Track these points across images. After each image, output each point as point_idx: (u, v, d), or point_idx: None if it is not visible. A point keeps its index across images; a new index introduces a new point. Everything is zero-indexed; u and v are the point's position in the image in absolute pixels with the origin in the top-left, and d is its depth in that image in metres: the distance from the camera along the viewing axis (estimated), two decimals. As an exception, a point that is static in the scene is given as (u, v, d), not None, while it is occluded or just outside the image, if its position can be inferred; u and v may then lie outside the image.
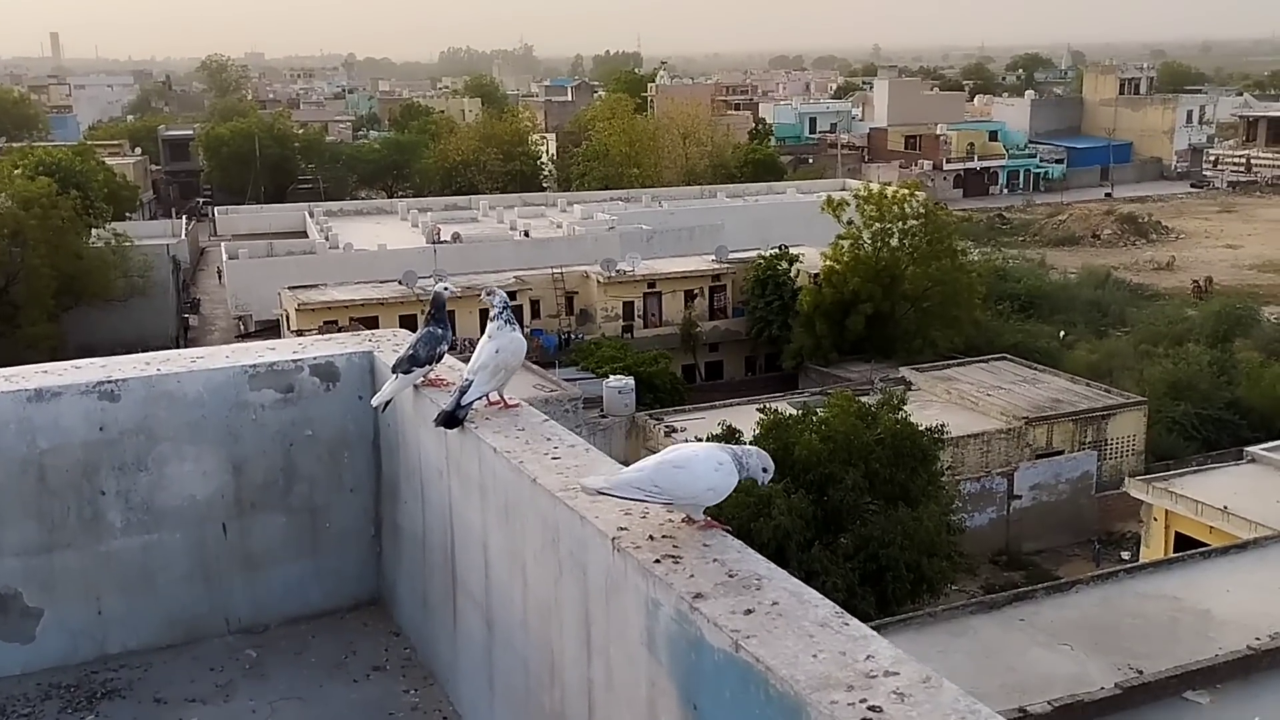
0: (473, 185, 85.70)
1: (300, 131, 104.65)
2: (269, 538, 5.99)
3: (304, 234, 67.16)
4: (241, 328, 60.95)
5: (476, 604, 4.82)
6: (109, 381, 5.58)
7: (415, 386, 5.24)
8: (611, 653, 3.59)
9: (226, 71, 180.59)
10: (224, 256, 59.63)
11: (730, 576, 3.16)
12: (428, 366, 5.40)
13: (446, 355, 5.54)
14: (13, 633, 5.51)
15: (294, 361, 5.98)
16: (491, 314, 5.07)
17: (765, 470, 3.91)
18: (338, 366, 6.06)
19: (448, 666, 5.31)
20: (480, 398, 4.89)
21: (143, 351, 6.14)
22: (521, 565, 4.29)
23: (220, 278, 63.18)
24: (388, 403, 5.45)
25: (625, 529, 3.57)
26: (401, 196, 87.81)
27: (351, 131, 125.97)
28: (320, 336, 6.43)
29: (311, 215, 70.91)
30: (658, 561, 3.29)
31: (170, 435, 5.72)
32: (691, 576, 3.18)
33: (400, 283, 50.79)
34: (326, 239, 61.71)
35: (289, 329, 49.74)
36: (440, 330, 5.39)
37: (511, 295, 51.68)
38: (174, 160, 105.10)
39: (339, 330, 46.81)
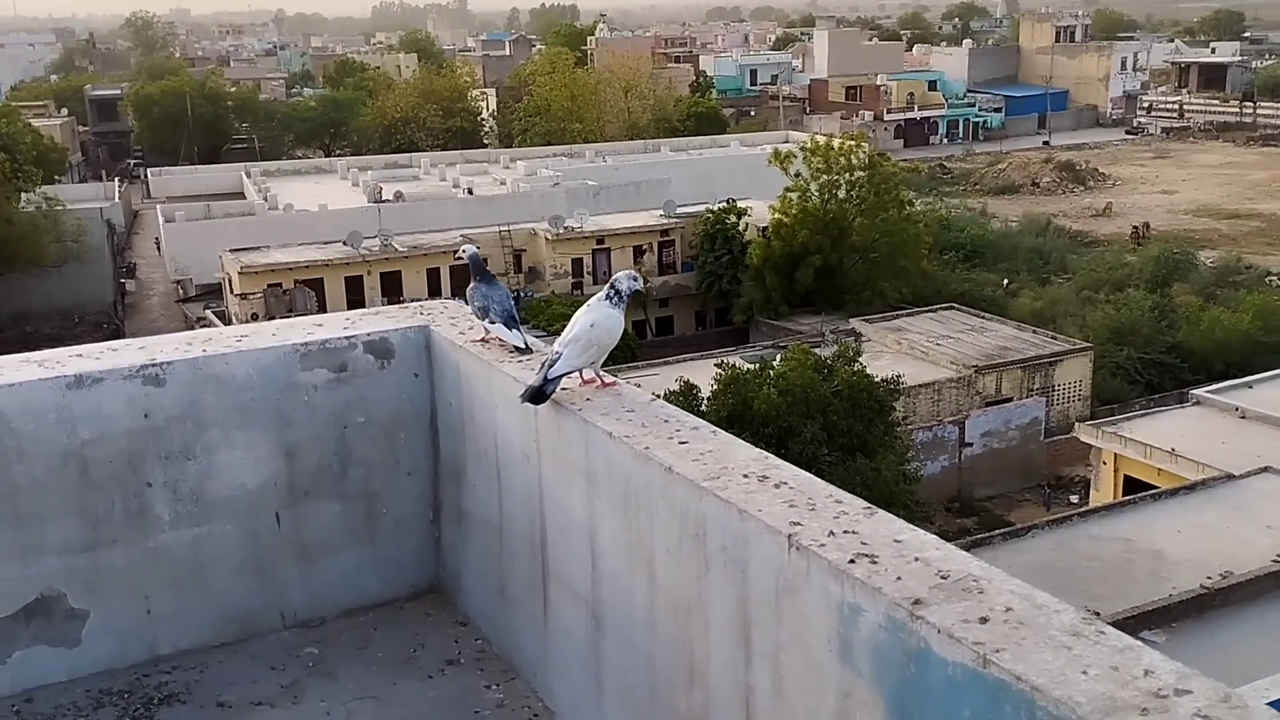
0: (412, 143, 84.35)
1: (232, 90, 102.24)
2: (324, 526, 5.66)
3: (241, 195, 65.74)
4: (181, 292, 59.69)
5: (578, 597, 4.54)
6: (153, 365, 5.21)
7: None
8: (782, 659, 3.32)
9: (152, 29, 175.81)
10: (160, 219, 58.16)
11: (943, 578, 2.90)
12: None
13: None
14: (58, 637, 5.14)
15: (347, 339, 5.62)
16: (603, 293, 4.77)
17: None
18: (392, 343, 5.70)
19: (534, 660, 5.04)
20: (569, 372, 4.60)
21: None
22: (646, 559, 4.01)
23: (158, 243, 61.69)
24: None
25: (799, 524, 3.30)
26: (340, 155, 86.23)
27: (285, 89, 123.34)
28: (369, 311, 6.08)
29: (248, 176, 69.44)
30: (852, 562, 3.03)
31: (219, 421, 5.38)
32: (899, 579, 2.92)
33: (345, 243, 49.85)
34: (265, 200, 60.45)
35: (232, 293, 48.78)
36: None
37: (458, 254, 50.88)
38: (102, 121, 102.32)
39: (284, 293, 46.27)
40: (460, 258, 5.92)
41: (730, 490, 3.56)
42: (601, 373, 4.76)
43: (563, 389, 4.58)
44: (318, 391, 5.57)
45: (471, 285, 5.47)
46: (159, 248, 62.12)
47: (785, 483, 3.61)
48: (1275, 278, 63.72)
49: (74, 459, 5.06)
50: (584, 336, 4.62)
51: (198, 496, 5.37)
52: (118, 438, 5.15)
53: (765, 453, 3.83)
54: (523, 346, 5.33)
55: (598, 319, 4.66)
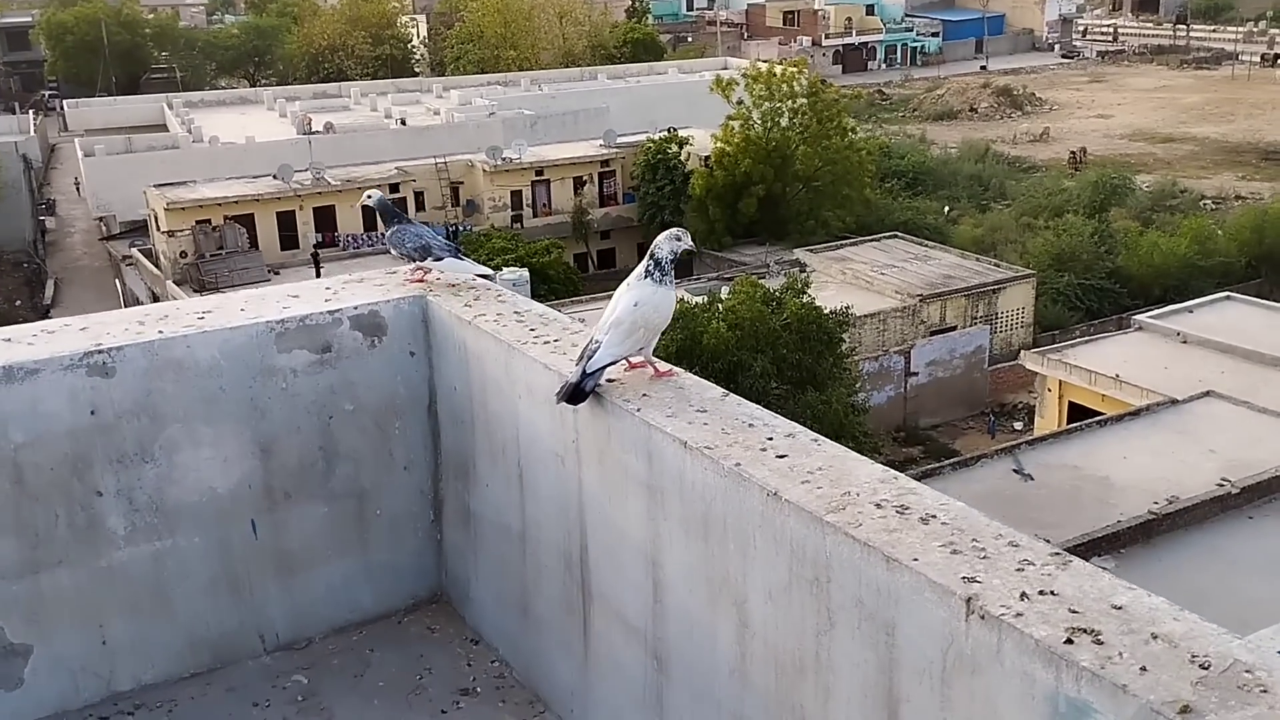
0: (341, 72, 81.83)
1: (150, 17, 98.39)
2: (308, 533, 4.90)
3: (164, 127, 63.34)
4: (104, 229, 57.73)
5: (631, 630, 3.81)
6: (99, 351, 4.37)
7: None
8: (950, 745, 2.60)
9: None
10: (79, 154, 55.85)
11: (1204, 668, 2.18)
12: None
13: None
14: (-5, 677, 4.32)
15: (330, 313, 4.83)
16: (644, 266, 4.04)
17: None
18: (384, 316, 4.92)
19: (570, 694, 4.30)
20: (612, 363, 3.85)
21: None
22: (737, 600, 3.28)
23: (78, 179, 59.37)
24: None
25: (976, 580, 2.57)
26: (265, 85, 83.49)
27: (205, 16, 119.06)
28: (352, 278, 5.22)
29: (170, 107, 66.97)
30: (1070, 642, 2.30)
31: (181, 415, 4.59)
32: (1143, 670, 2.19)
33: (275, 177, 48.19)
34: (189, 132, 58.28)
35: (158, 230, 47.04)
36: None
37: (394, 188, 49.58)
38: (12, 50, 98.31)
39: (213, 230, 44.64)
40: (366, 205, 5.41)
41: (866, 527, 2.83)
42: (655, 359, 3.99)
43: (608, 380, 3.80)
44: (297, 376, 4.78)
45: (393, 229, 5.11)
46: (78, 184, 59.80)
47: (934, 515, 2.89)
48: (1209, 202, 64.19)
49: (6, 468, 4.21)
50: (627, 319, 3.88)
51: (158, 505, 4.57)
52: (59, 440, 4.30)
53: (890, 470, 3.09)
54: (488, 273, 5.04)
55: (641, 297, 3.93)
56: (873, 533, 2.83)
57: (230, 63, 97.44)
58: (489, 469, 4.64)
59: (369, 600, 5.00)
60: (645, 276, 3.99)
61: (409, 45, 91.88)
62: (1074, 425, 28.15)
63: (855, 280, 44.09)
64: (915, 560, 2.70)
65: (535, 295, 33.66)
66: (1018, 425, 40.26)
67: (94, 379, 4.37)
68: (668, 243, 4.02)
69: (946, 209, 59.94)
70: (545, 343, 4.31)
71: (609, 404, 3.82)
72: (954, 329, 43.00)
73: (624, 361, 3.90)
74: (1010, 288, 44.86)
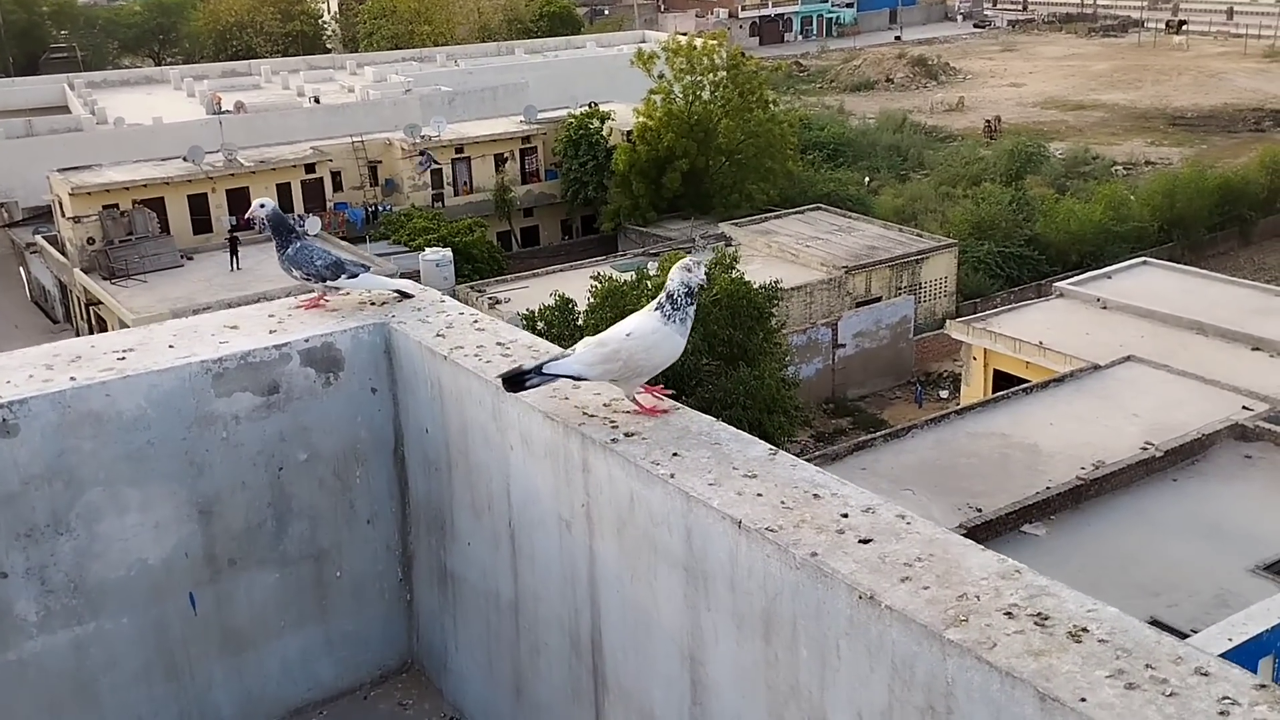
0: (250, 49, 79.68)
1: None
2: (258, 603, 4.29)
3: (65, 109, 61.15)
4: (6, 216, 55.75)
5: (668, 733, 3.25)
6: None
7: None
8: None
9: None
10: (-23, 137, 53.72)
11: None
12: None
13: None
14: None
15: (276, 347, 4.19)
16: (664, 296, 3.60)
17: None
18: (339, 349, 4.30)
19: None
20: (572, 377, 3.48)
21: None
22: (813, 718, 2.75)
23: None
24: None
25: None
26: (171, 64, 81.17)
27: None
28: (298, 302, 4.55)
29: (72, 87, 64.65)
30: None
31: (101, 477, 3.93)
32: None
33: (185, 159, 46.65)
34: (93, 113, 56.33)
35: (63, 216, 45.32)
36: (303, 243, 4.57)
37: (310, 168, 48.30)
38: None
39: (121, 215, 43.04)
40: (253, 219, 4.75)
41: (1002, 649, 2.27)
42: (647, 397, 3.54)
43: (586, 415, 3.26)
44: (239, 424, 4.15)
45: (293, 247, 4.50)
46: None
47: (1084, 629, 2.33)
48: (1121, 167, 65.04)
49: (-111, 551, 3.56)
50: (612, 343, 3.46)
51: (76, 584, 3.93)
52: (-51, 516, 3.66)
53: (1006, 559, 2.56)
54: (412, 292, 4.53)
55: (639, 328, 3.48)
56: (1013, 657, 2.27)
57: (133, 41, 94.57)
58: (471, 526, 4.07)
59: (330, 674, 4.42)
60: (657, 309, 3.54)
61: (319, 21, 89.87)
62: (1000, 394, 28.37)
63: (781, 253, 43.99)
64: (1084, 701, 2.14)
65: (459, 275, 32.85)
66: (944, 394, 40.53)
67: None
68: (679, 274, 3.57)
69: (867, 180, 60.07)
70: (543, 385, 3.73)
71: (630, 464, 3.25)
72: (879, 300, 43.18)
73: (631, 402, 3.43)
74: (933, 257, 45.09)
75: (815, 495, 2.96)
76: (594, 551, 3.48)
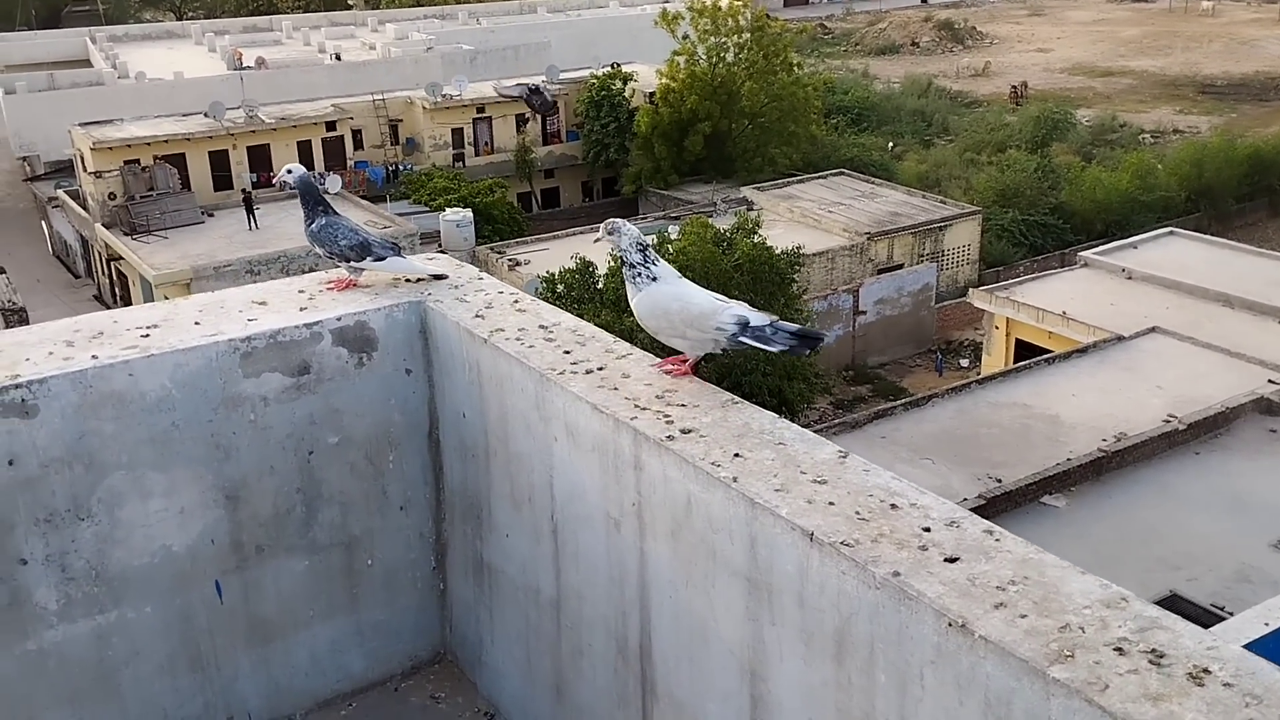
0: (271, 4, 79.34)
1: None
2: (286, 592, 4.13)
3: (87, 63, 61.02)
4: (28, 170, 55.74)
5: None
6: (14, 385, 3.53)
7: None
8: None
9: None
10: (-1, 91, 53.68)
11: None
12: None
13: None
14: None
15: (307, 326, 3.99)
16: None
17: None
18: (373, 329, 4.10)
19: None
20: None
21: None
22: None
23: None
24: None
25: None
26: (193, 18, 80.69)
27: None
28: (327, 282, 4.37)
29: (94, 41, 64.47)
30: None
31: (124, 460, 3.76)
32: None
33: (206, 115, 46.46)
34: (115, 68, 56.11)
35: (85, 171, 45.23)
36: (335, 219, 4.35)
37: (331, 125, 48.03)
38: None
39: (143, 170, 42.90)
40: (285, 181, 4.50)
41: (1115, 691, 2.05)
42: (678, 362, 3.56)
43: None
44: (268, 406, 3.98)
45: (320, 222, 4.30)
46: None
47: (1206, 670, 2.12)
48: (1148, 136, 64.27)
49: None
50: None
51: (98, 571, 3.78)
52: (-36, 499, 3.52)
53: (1109, 583, 2.34)
54: (442, 274, 4.34)
55: (635, 306, 3.61)
56: (1129, 701, 2.05)
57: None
58: (510, 517, 3.92)
59: (360, 665, 4.27)
60: (630, 283, 3.61)
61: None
62: (1022, 364, 28.12)
63: (803, 218, 43.66)
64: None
65: (479, 236, 32.61)
66: (964, 363, 40.29)
67: (10, 420, 3.56)
68: (611, 243, 3.64)
69: (891, 145, 59.51)
70: (588, 372, 3.56)
71: (688, 464, 3.06)
72: (901, 267, 42.85)
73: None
74: (956, 225, 44.69)
75: (893, 505, 2.77)
76: (645, 554, 3.30)
